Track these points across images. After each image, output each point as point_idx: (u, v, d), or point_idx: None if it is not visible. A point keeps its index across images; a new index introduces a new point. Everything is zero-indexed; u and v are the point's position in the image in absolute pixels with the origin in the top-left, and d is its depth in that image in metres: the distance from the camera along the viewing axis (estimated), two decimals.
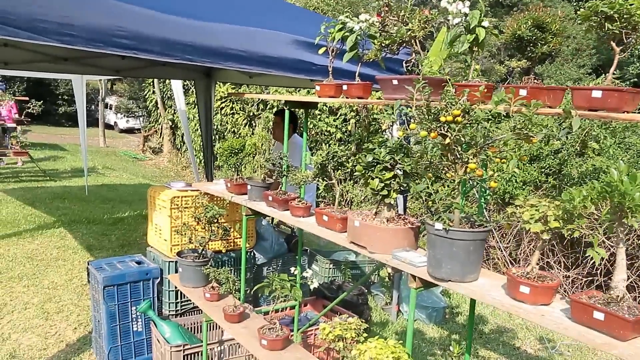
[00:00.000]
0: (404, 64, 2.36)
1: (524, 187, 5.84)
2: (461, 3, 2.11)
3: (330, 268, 4.92)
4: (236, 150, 3.07)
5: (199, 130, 6.91)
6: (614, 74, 1.78)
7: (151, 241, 3.91)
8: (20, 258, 5.84)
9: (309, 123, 2.86)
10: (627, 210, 1.41)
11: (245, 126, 10.70)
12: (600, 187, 1.46)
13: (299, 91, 8.26)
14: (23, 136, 10.98)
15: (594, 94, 1.71)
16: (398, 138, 2.03)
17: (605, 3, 1.69)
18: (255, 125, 10.48)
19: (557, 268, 5.53)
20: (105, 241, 6.61)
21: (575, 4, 22.66)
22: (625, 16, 1.66)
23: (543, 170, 5.84)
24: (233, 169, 3.13)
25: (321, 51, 2.77)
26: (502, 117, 1.92)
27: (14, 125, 10.86)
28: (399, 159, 2.03)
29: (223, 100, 11.04)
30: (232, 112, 11.05)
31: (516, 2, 23.15)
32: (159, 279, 3.65)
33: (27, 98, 10.68)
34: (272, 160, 2.90)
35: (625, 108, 1.66)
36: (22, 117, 10.81)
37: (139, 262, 3.73)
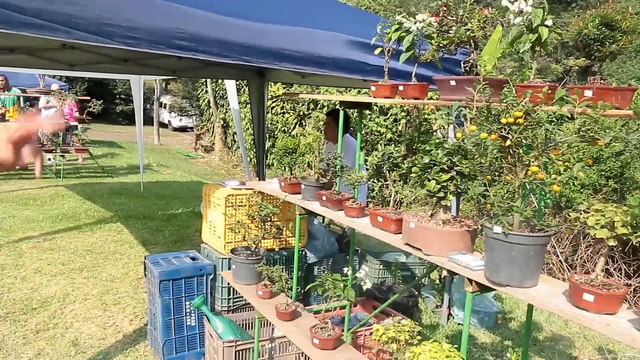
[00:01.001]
0: (462, 65, 2.34)
1: (582, 190, 5.63)
2: (523, 2, 2.08)
3: (380, 269, 4.91)
4: (290, 150, 3.12)
5: (251, 129, 7.05)
6: None
7: (205, 238, 4.03)
8: (81, 251, 6.15)
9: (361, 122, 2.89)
10: None
11: (295, 125, 10.83)
12: None
13: (349, 91, 8.29)
14: (84, 134, 11.49)
15: None
16: (456, 139, 2.02)
17: None
18: (306, 125, 10.59)
19: (618, 275, 5.31)
20: (160, 236, 6.85)
21: None
22: None
23: (603, 173, 5.61)
24: (287, 168, 3.18)
25: (377, 51, 2.78)
26: (566, 119, 1.87)
27: (75, 123, 11.40)
28: (456, 161, 2.01)
29: (274, 99, 11.21)
30: (282, 111, 11.21)
31: None
32: (213, 275, 3.76)
33: (88, 97, 11.19)
34: (327, 160, 2.93)
35: None
36: (84, 115, 11.34)
37: (193, 258, 3.85)
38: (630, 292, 5.17)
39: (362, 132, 8.93)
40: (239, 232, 3.38)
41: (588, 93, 1.85)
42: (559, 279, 1.70)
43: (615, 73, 18.50)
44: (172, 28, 2.69)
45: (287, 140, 3.06)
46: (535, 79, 2.04)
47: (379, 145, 8.14)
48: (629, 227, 1.50)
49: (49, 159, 11.01)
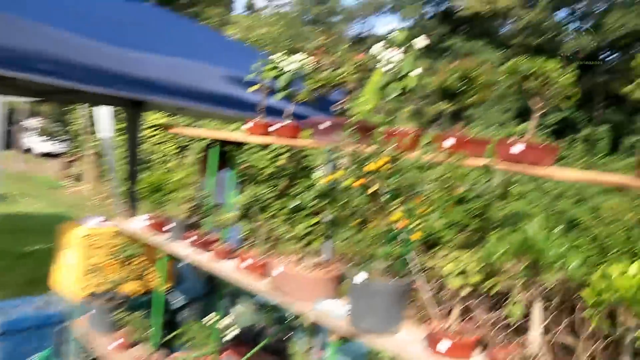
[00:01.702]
0: (335, 106, 2.38)
1: (450, 227, 6.00)
2: (392, 52, 2.17)
3: (252, 311, 4.78)
4: (159, 187, 2.96)
5: (127, 158, 6.68)
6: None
7: (59, 281, 3.66)
8: None
9: (238, 157, 2.82)
10: (542, 267, 1.45)
11: (175, 156, 10.48)
12: (518, 242, 1.50)
13: (232, 124, 8.20)
14: None
15: (513, 149, 1.78)
16: (324, 184, 2.03)
17: (525, 62, 1.79)
18: (186, 155, 10.28)
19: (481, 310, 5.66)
20: (9, 278, 6.14)
21: (503, 51, 24.29)
22: (543, 76, 1.76)
23: (468, 212, 6.04)
24: (156, 205, 3.01)
25: (252, 89, 2.75)
26: (429, 166, 1.96)
27: None
28: (324, 205, 2.01)
29: (153, 128, 10.79)
30: (162, 140, 10.81)
31: (448, 47, 24.71)
32: (65, 324, 3.40)
33: None
34: (197, 199, 2.82)
35: (543, 162, 1.75)
36: None
37: (43, 305, 3.47)
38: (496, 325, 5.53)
39: (243, 166, 8.87)
40: (98, 275, 3.11)
41: (448, 142, 1.95)
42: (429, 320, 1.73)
43: (482, 116, 20.46)
44: (31, 48, 2.46)
45: (156, 176, 2.90)
46: (405, 127, 2.13)
47: (258, 180, 8.08)
48: (481, 275, 1.57)
49: None
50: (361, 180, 1.76)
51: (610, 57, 23.31)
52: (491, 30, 28.03)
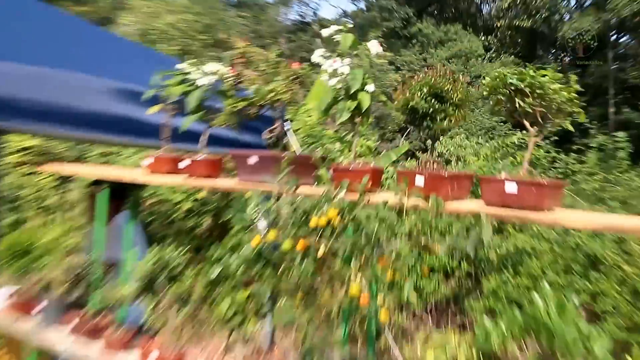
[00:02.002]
0: (268, 132, 2.33)
1: (431, 275, 6.01)
2: (338, 60, 2.15)
3: None
4: (26, 249, 2.81)
5: None
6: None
7: None
8: None
9: (144, 191, 2.69)
10: (558, 353, 1.43)
11: (55, 190, 10.11)
12: (524, 320, 1.48)
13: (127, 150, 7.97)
14: None
15: (507, 187, 1.78)
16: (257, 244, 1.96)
17: (515, 73, 1.79)
18: (70, 189, 9.93)
19: None
20: None
21: (483, 37, 24.25)
22: (538, 91, 1.77)
23: (453, 252, 6.04)
24: (22, 276, 2.85)
25: (152, 110, 2.67)
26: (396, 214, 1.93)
27: None
28: (257, 272, 1.95)
29: (23, 152, 10.40)
30: (35, 171, 10.42)
31: (413, 34, 24.83)
32: None
33: None
34: (81, 264, 2.69)
35: (544, 204, 1.74)
36: None
37: None
38: None
39: (149, 202, 8.63)
40: None
41: (420, 180, 1.93)
42: None
43: (464, 124, 20.94)
44: None
45: (17, 236, 2.75)
46: (360, 161, 2.09)
47: (169, 231, 7.86)
48: None
49: None
50: (304, 242, 1.71)
51: (623, 40, 23.59)
52: (469, 11, 28.12)
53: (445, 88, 2.23)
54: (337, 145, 6.36)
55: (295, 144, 3.47)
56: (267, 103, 2.23)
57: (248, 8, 30.32)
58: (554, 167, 7.76)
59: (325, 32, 2.18)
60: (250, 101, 2.26)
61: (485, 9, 29.24)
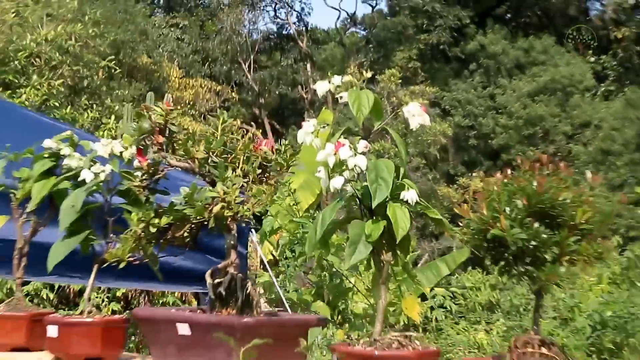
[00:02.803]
0: (209, 277, 1.29)
1: None
2: (346, 144, 1.17)
3: None
4: None
5: None
6: None
7: None
8: None
9: None
10: None
11: None
12: None
13: None
14: None
15: None
16: None
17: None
18: None
19: None
20: None
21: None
22: None
23: None
24: None
25: None
26: None
27: None
28: None
29: None
30: None
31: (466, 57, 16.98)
32: None
33: None
34: None
35: None
36: None
37: None
38: None
39: None
40: None
41: None
42: None
43: None
44: None
45: None
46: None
47: None
48: None
49: None
50: None
51: None
52: (567, 12, 16.81)
53: (561, 200, 1.43)
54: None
55: (267, 274, 2.23)
56: (209, 221, 1.20)
57: (188, 12, 19.76)
58: None
59: (320, 87, 1.24)
60: (178, 215, 1.22)
61: (593, 9, 17.74)
